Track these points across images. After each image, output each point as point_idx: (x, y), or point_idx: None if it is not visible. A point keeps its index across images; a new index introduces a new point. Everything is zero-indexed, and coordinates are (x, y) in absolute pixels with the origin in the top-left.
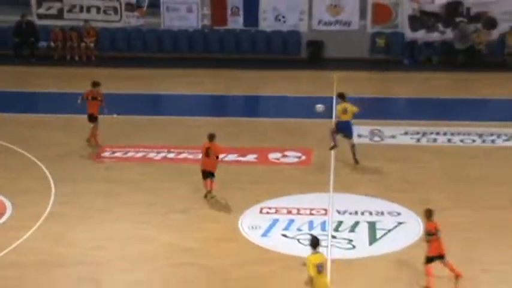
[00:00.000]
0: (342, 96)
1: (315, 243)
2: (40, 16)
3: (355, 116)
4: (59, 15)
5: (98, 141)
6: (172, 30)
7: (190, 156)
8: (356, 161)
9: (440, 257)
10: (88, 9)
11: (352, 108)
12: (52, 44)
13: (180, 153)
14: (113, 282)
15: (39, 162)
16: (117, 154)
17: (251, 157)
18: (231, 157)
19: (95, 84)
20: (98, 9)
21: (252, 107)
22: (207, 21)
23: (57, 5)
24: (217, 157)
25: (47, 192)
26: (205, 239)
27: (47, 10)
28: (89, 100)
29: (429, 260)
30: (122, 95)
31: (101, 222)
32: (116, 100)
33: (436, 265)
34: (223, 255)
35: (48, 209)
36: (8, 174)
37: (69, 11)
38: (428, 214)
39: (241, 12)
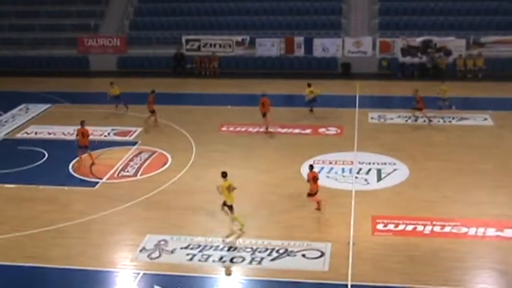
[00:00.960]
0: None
1: (224, 174)
2: (187, 50)
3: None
4: (198, 49)
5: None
6: (263, 57)
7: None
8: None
9: (315, 193)
10: (214, 45)
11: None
12: (194, 65)
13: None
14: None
15: (186, 134)
16: (230, 128)
17: (308, 130)
18: (297, 130)
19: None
20: (220, 45)
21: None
22: (282, 51)
23: (197, 43)
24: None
25: (191, 150)
26: (283, 178)
27: (191, 46)
28: None
29: (311, 195)
30: (232, 95)
31: (219, 168)
32: (231, 97)
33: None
34: (293, 186)
35: (191, 160)
36: (169, 140)
37: (204, 46)
38: (310, 167)
39: (302, 46)
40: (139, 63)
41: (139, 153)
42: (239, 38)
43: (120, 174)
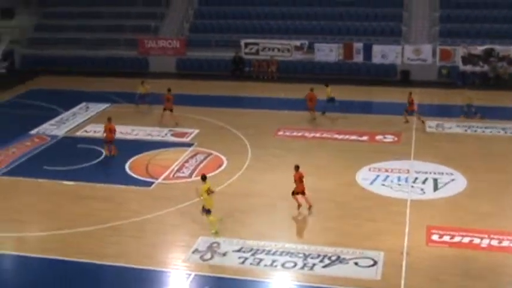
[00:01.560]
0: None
1: (204, 177)
2: (246, 53)
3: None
4: (256, 52)
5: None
6: (321, 62)
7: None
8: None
9: (303, 193)
10: (272, 49)
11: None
12: (252, 69)
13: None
14: (282, 204)
15: (243, 137)
16: (287, 133)
17: (365, 137)
18: (353, 137)
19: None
20: (278, 49)
21: (367, 107)
22: (341, 57)
23: (255, 47)
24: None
25: (246, 153)
26: (338, 184)
27: (250, 50)
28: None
29: (295, 193)
30: (289, 100)
31: (275, 172)
32: (288, 102)
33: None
34: (347, 194)
35: (246, 163)
36: (225, 143)
37: (262, 50)
38: (296, 168)
39: (361, 52)
40: (198, 66)
41: (195, 154)
42: (298, 43)
43: (175, 175)
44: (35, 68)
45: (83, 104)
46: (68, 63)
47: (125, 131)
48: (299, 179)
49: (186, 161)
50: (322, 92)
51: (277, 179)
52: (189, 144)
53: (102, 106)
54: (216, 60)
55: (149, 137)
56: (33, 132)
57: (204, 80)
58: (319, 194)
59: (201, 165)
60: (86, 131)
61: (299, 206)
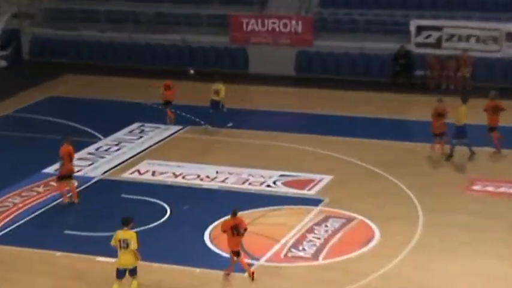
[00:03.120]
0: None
1: (126, 221)
2: (418, 44)
3: None
4: (437, 44)
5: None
6: None
7: None
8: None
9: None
10: (467, 38)
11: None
12: (427, 72)
13: None
14: None
15: (407, 190)
16: (489, 188)
17: None
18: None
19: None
20: (477, 38)
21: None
22: None
23: (436, 34)
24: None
25: (415, 221)
26: None
27: (426, 39)
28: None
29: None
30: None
31: (464, 256)
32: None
33: None
34: None
35: (415, 238)
36: (376, 200)
37: (448, 39)
38: (233, 214)
39: None
40: (334, 65)
41: (325, 218)
42: None
43: (289, 254)
44: (54, 60)
45: (136, 125)
46: (109, 52)
47: (203, 175)
48: (231, 229)
49: (310, 230)
50: None
51: (470, 270)
52: (314, 201)
53: (168, 129)
54: (365, 56)
55: (243, 186)
56: (49, 170)
57: (343, 90)
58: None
59: (335, 239)
60: (138, 172)
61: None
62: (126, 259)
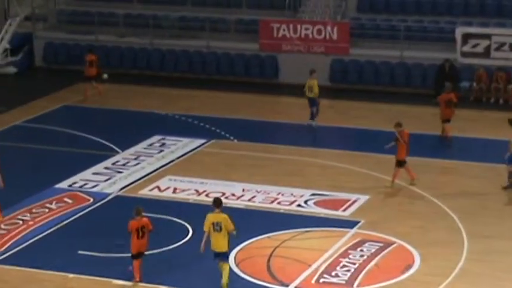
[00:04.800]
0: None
1: (217, 202)
2: (464, 54)
3: None
4: (486, 53)
5: None
6: None
7: None
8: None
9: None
10: None
11: None
12: (475, 85)
13: None
14: None
15: (451, 213)
16: None
17: None
18: None
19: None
20: None
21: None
22: None
23: (485, 42)
24: None
25: (459, 246)
26: None
27: (473, 48)
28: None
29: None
30: None
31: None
32: None
33: None
34: None
35: (459, 265)
36: (416, 223)
37: (497, 49)
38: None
39: None
40: (372, 75)
41: (361, 242)
42: None
43: (321, 280)
44: (69, 66)
45: (156, 138)
46: (128, 59)
47: (229, 192)
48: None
49: (344, 255)
50: None
51: None
52: (349, 223)
53: (192, 143)
54: (406, 65)
55: (272, 205)
56: (62, 185)
57: (381, 102)
58: None
59: (372, 264)
60: (158, 189)
61: None
62: (217, 243)
